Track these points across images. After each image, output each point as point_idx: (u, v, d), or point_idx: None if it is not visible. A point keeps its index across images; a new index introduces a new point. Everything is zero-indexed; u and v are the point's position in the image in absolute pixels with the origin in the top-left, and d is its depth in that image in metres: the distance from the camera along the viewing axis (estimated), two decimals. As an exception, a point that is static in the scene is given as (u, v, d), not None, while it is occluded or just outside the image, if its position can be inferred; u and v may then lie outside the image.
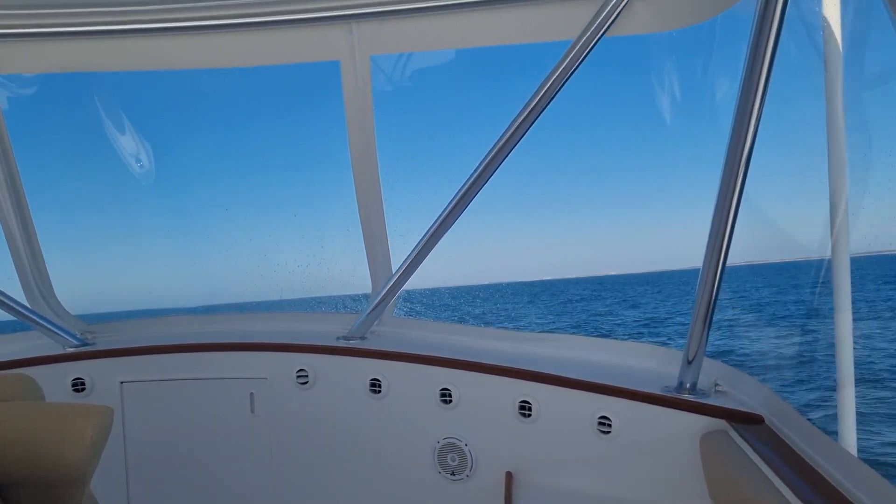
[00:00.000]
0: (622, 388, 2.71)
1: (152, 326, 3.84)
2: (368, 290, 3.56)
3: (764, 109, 2.09)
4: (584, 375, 2.84)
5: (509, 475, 2.97)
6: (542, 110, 2.78)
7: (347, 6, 2.93)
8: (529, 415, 2.92)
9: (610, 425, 2.73)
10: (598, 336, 3.35)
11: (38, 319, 3.48)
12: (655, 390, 2.65)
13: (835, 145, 2.36)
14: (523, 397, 2.93)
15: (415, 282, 3.36)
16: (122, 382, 3.41)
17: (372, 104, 3.18)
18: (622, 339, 3.30)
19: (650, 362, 3.03)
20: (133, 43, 3.10)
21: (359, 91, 3.15)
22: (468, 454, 3.07)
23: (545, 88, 2.72)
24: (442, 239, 3.17)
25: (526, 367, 2.96)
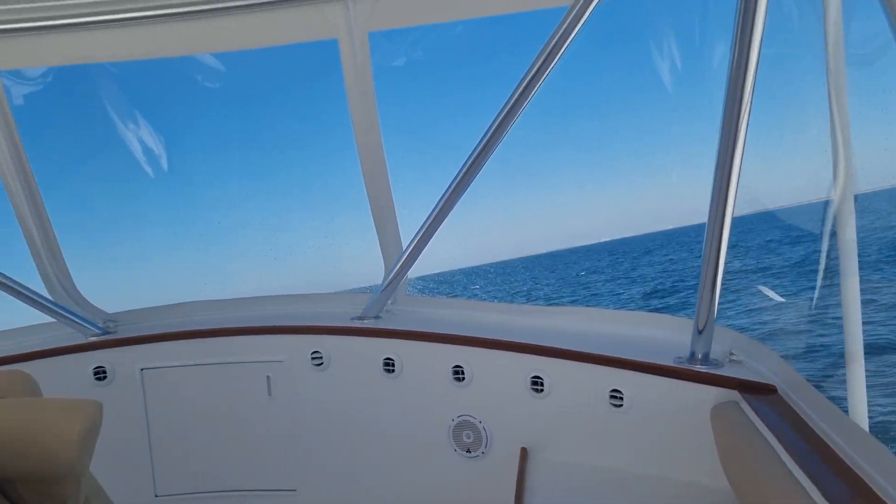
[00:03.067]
0: (633, 360, 2.67)
1: (171, 313, 3.88)
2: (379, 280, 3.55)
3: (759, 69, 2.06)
4: (596, 348, 2.81)
5: (524, 451, 2.96)
6: (542, 79, 2.74)
7: None
8: (542, 390, 2.91)
9: (622, 398, 2.70)
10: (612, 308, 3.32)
11: (58, 310, 3.53)
12: (667, 362, 2.61)
13: (837, 95, 2.34)
14: (535, 372, 2.92)
15: (423, 267, 3.35)
16: (142, 369, 3.46)
17: (372, 81, 3.16)
18: (634, 311, 3.27)
19: (663, 332, 2.97)
20: (133, 32, 3.10)
21: (358, 68, 3.13)
22: (483, 431, 3.08)
23: (543, 57, 2.67)
24: (449, 217, 3.17)
25: (537, 342, 2.94)
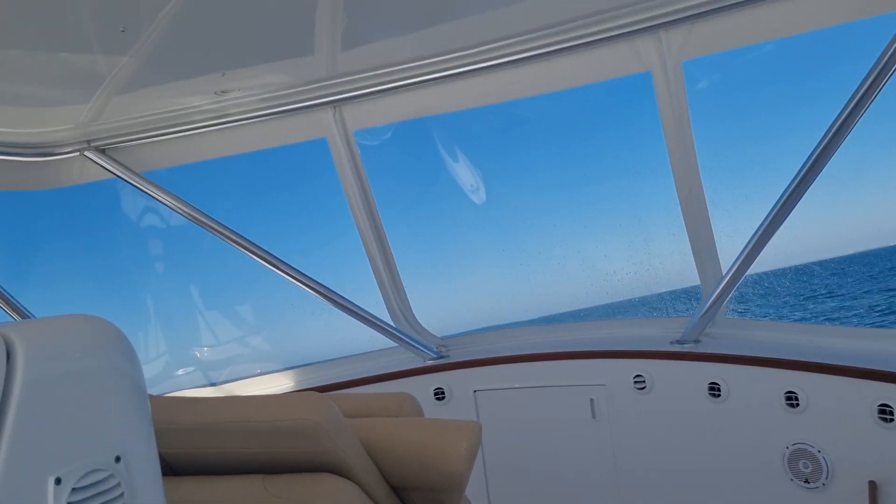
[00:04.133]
0: None
1: (496, 338, 4.19)
2: (691, 283, 3.51)
3: None
4: None
5: (873, 484, 2.76)
6: (876, 93, 2.58)
7: (655, 17, 2.98)
8: (892, 419, 2.70)
9: None
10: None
11: (402, 336, 3.99)
12: None
13: None
14: (883, 400, 2.72)
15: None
16: (475, 391, 3.77)
17: (688, 110, 3.18)
18: None
19: None
20: (461, 84, 3.44)
21: (673, 98, 3.17)
22: (822, 461, 2.93)
23: (878, 69, 2.52)
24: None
25: (882, 368, 2.74)
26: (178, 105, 3.48)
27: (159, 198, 3.80)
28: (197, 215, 3.82)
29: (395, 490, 1.94)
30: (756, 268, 3.20)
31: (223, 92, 3.31)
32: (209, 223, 3.82)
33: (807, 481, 2.98)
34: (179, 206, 3.81)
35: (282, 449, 1.67)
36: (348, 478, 1.70)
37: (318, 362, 4.45)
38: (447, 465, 1.87)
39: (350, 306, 3.92)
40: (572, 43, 3.13)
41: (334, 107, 3.59)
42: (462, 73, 3.34)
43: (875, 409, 2.74)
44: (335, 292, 3.91)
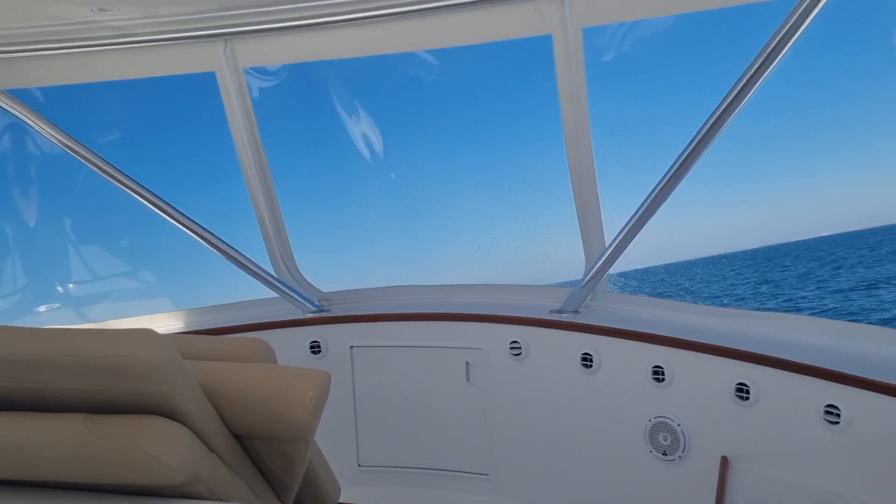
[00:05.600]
0: (853, 375, 2.50)
1: (379, 296, 4.12)
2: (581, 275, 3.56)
3: None
4: (809, 359, 2.66)
5: (724, 459, 2.87)
6: (768, 72, 2.62)
7: None
8: (747, 398, 2.80)
9: (838, 415, 2.54)
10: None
11: (282, 287, 3.86)
12: (891, 380, 2.42)
13: None
14: (741, 379, 2.82)
15: (623, 263, 3.29)
16: (351, 347, 3.71)
17: (584, 77, 3.16)
18: (849, 322, 3.03)
19: (888, 349, 2.73)
20: (360, 30, 3.31)
21: (571, 64, 3.14)
22: (681, 434, 3.02)
23: (769, 49, 2.57)
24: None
25: (745, 348, 2.83)
26: (53, 19, 3.19)
27: (27, 120, 3.51)
28: (71, 144, 3.54)
29: (239, 439, 1.86)
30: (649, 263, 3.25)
31: (101, 10, 3.05)
32: (85, 154, 3.56)
33: (665, 453, 3.07)
34: (51, 132, 3.53)
35: (110, 387, 1.54)
36: (181, 422, 1.60)
37: (197, 308, 4.27)
38: (291, 413, 1.79)
39: (230, 252, 3.75)
40: None
41: (225, 40, 3.39)
42: (361, 19, 3.21)
43: (733, 387, 2.84)
44: (216, 236, 3.74)
